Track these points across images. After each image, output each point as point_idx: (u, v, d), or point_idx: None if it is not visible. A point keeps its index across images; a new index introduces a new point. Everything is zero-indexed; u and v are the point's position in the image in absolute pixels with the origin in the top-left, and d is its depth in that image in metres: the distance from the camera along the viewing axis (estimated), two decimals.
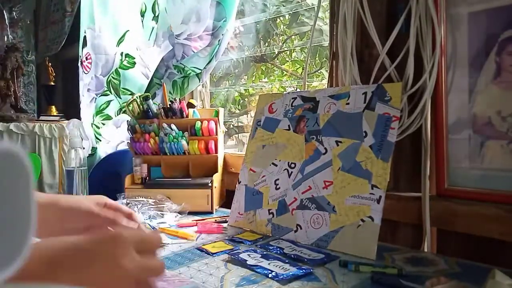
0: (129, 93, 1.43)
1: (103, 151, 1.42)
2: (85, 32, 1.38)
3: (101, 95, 1.43)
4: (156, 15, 1.44)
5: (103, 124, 1.44)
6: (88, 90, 1.41)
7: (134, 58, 1.43)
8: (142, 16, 1.43)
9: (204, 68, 1.37)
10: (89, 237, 0.37)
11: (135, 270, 0.36)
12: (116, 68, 1.41)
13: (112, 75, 1.42)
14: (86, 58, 1.39)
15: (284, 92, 1.00)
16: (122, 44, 1.42)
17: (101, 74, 1.42)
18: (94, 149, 1.42)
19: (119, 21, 1.42)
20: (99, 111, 1.43)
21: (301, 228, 0.83)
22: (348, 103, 0.85)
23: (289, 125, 0.94)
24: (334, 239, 0.78)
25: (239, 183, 0.98)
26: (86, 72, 1.39)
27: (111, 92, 1.43)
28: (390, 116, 0.78)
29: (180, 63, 1.39)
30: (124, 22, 1.42)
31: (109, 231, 0.39)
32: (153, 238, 0.41)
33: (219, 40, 1.33)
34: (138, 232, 0.40)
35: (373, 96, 0.82)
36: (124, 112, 1.42)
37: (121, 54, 1.41)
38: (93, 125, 1.42)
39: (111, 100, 1.44)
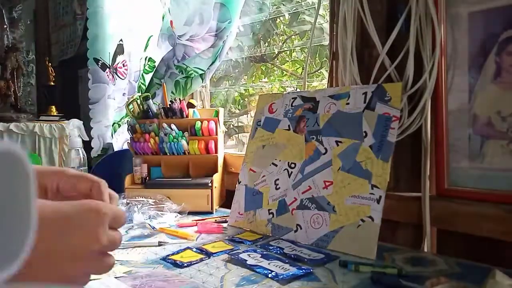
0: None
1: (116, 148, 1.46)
2: (121, 40, 1.42)
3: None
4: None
5: (125, 123, 1.49)
6: (124, 94, 1.46)
7: (155, 62, 1.46)
8: (162, 20, 1.46)
9: (208, 68, 1.38)
10: (72, 205, 0.39)
11: (105, 243, 0.39)
12: (142, 73, 1.46)
13: (140, 80, 1.47)
14: (123, 65, 1.43)
15: (284, 92, 1.00)
16: (147, 49, 1.47)
17: (133, 80, 1.47)
18: (104, 149, 1.45)
19: (146, 27, 1.46)
20: (127, 114, 1.48)
21: (301, 228, 0.83)
22: (348, 103, 0.85)
23: (289, 125, 0.94)
24: (334, 239, 0.78)
25: (239, 183, 0.98)
26: (122, 78, 1.44)
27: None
28: (390, 116, 0.78)
29: (183, 63, 1.39)
30: (149, 28, 1.46)
31: (92, 202, 0.40)
32: (123, 215, 0.43)
33: (223, 41, 1.33)
34: (114, 208, 0.42)
35: (373, 96, 0.82)
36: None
37: (145, 58, 1.45)
38: (116, 124, 1.47)
39: None
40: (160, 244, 0.83)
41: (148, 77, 1.49)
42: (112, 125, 1.48)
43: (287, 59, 1.72)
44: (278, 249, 0.78)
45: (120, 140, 1.49)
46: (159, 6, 1.46)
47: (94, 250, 0.39)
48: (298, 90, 1.51)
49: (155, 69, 1.48)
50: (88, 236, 0.38)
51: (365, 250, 0.73)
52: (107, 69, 1.43)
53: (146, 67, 1.48)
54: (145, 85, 1.49)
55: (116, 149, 1.46)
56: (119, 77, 1.45)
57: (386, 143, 0.77)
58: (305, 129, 0.90)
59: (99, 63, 1.42)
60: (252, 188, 0.95)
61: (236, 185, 0.99)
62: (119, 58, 1.44)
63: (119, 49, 1.45)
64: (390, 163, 0.76)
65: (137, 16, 1.47)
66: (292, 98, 0.96)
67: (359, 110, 0.83)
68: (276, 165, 0.93)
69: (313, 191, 0.84)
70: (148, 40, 1.46)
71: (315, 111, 0.90)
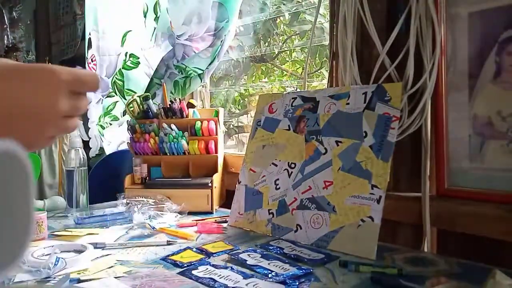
0: (133, 93, 1.44)
1: (108, 150, 1.44)
2: (89, 34, 1.39)
3: (107, 96, 1.44)
4: (157, 15, 1.45)
5: (111, 124, 1.46)
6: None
7: (139, 58, 1.44)
8: (144, 16, 1.44)
9: (206, 68, 1.38)
10: (31, 66, 0.38)
11: (65, 109, 0.38)
12: (120, 69, 1.43)
13: (116, 76, 1.44)
14: (92, 60, 1.41)
15: (284, 92, 1.00)
16: (125, 44, 1.43)
17: (106, 76, 1.44)
18: (102, 149, 1.44)
19: (121, 22, 1.43)
20: (107, 112, 1.46)
21: (301, 228, 0.83)
22: (348, 103, 0.85)
23: (289, 125, 0.94)
24: (334, 239, 0.78)
25: (239, 183, 0.98)
26: None
27: (116, 94, 1.45)
28: (390, 116, 0.78)
29: (182, 63, 1.39)
30: (126, 23, 1.44)
31: (48, 65, 0.39)
32: (87, 76, 0.41)
33: (221, 41, 1.33)
34: (75, 71, 0.40)
35: (373, 96, 0.82)
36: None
37: (125, 54, 1.43)
38: (99, 125, 1.44)
39: (117, 101, 1.46)
40: (169, 243, 0.83)
41: (130, 74, 1.44)
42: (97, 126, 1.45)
43: (287, 59, 1.72)
44: (278, 249, 0.78)
45: (115, 142, 1.47)
46: (138, 2, 1.43)
47: (51, 113, 0.37)
48: (298, 90, 1.51)
49: (155, 69, 1.47)
50: (44, 99, 0.37)
51: (365, 250, 0.73)
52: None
53: (128, 63, 1.44)
54: (122, 81, 1.45)
55: (108, 152, 1.43)
56: None
57: (386, 143, 0.77)
58: (305, 129, 0.90)
59: None
60: (252, 188, 0.95)
61: (236, 185, 0.99)
62: (89, 53, 1.42)
63: (89, 43, 1.43)
64: (390, 163, 0.76)
65: (108, 10, 1.43)
66: (292, 98, 0.96)
67: (359, 110, 0.83)
68: (276, 165, 0.93)
69: (313, 191, 0.84)
70: (125, 35, 1.43)
71: (315, 111, 0.90)
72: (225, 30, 1.31)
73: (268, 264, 0.69)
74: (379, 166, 0.76)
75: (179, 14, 1.38)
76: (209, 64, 1.37)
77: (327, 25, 1.28)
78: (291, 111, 0.95)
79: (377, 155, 0.77)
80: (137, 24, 1.44)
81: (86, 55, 1.41)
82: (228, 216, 1.00)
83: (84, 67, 1.44)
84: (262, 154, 0.96)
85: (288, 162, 0.91)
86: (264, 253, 0.75)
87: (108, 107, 1.45)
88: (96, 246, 0.81)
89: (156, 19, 1.45)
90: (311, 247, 0.79)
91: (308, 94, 0.94)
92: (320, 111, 0.90)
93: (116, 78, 1.44)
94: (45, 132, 0.38)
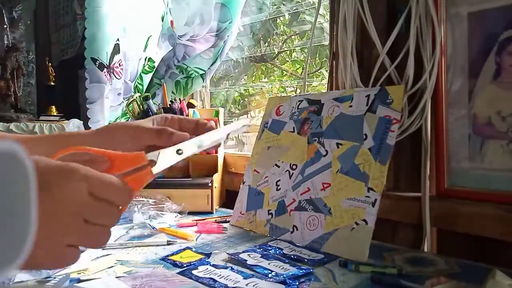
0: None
1: None
2: (118, 40, 1.41)
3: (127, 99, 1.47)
4: (163, 18, 1.46)
5: None
6: (119, 94, 1.46)
7: (154, 62, 1.46)
8: (162, 20, 1.45)
9: (209, 69, 1.38)
10: (52, 163, 0.36)
11: (80, 208, 0.36)
12: (140, 73, 1.46)
13: (137, 80, 1.47)
14: (119, 65, 1.43)
15: (292, 95, 1.00)
16: (147, 49, 1.46)
17: (129, 80, 1.46)
18: None
19: (146, 27, 1.45)
20: (124, 114, 1.48)
21: (297, 229, 0.83)
22: (351, 106, 0.85)
23: (293, 127, 0.94)
24: (328, 242, 0.77)
25: (243, 183, 0.99)
26: (118, 78, 1.44)
27: None
28: (391, 119, 0.78)
29: (183, 64, 1.39)
30: (148, 28, 1.45)
31: (70, 164, 0.36)
32: (115, 188, 0.38)
33: (224, 41, 1.33)
34: (100, 175, 0.37)
35: (376, 98, 0.82)
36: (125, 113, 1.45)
37: (145, 59, 1.45)
38: None
39: None
40: (169, 243, 0.83)
41: (147, 78, 1.49)
42: None
43: (287, 59, 1.72)
44: (277, 249, 0.77)
45: None
46: (159, 6, 1.45)
47: (65, 212, 0.35)
48: (298, 90, 1.51)
49: (155, 69, 1.48)
50: (53, 196, 0.34)
51: (357, 254, 0.72)
52: (105, 69, 1.42)
53: (146, 67, 1.47)
54: (142, 85, 1.48)
55: None
56: (115, 76, 1.45)
57: (385, 146, 0.77)
58: (308, 131, 0.90)
59: (97, 63, 1.41)
60: (254, 188, 0.95)
61: (241, 185, 0.99)
62: (116, 58, 1.44)
63: (116, 49, 1.44)
64: (387, 166, 0.75)
65: (135, 16, 1.46)
66: (299, 101, 0.96)
67: (361, 112, 0.83)
68: (278, 166, 0.93)
69: (311, 193, 0.84)
70: (147, 40, 1.46)
71: (319, 114, 0.90)
72: (228, 31, 1.31)
73: (268, 264, 0.69)
74: (377, 169, 0.76)
75: (182, 15, 1.38)
76: (211, 65, 1.37)
77: (326, 25, 1.28)
78: (297, 114, 0.95)
79: (375, 157, 0.77)
80: (156, 29, 1.45)
81: (110, 60, 1.42)
82: (228, 216, 1.00)
83: (84, 68, 1.44)
84: (266, 155, 0.97)
85: (290, 164, 0.91)
86: (264, 253, 0.75)
87: (125, 109, 1.48)
88: None
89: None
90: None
91: (314, 97, 0.94)
92: (324, 113, 0.89)
93: (137, 82, 1.48)
94: (63, 240, 0.35)
